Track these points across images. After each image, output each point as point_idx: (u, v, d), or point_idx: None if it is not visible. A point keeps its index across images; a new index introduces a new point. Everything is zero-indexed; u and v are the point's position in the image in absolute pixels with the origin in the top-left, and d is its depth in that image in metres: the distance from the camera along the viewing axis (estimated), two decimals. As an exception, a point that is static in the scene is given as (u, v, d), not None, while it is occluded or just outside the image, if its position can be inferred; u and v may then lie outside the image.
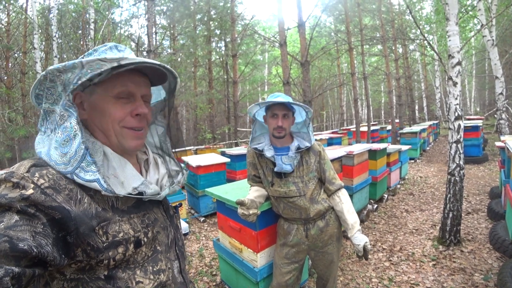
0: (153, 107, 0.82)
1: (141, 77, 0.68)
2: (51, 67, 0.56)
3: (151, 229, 0.67)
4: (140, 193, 0.64)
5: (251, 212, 1.44)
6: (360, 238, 1.47)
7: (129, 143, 0.67)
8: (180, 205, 0.87)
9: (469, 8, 9.73)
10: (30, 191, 0.49)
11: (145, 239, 0.65)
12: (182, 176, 0.80)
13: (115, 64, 0.56)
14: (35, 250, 0.44)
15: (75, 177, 0.55)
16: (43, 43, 11.36)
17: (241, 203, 1.44)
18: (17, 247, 0.42)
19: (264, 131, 1.69)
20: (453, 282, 2.35)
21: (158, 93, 0.82)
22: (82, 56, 0.64)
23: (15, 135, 7.79)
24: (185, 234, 1.48)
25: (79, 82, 0.56)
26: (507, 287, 2.04)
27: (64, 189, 0.54)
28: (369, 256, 2.87)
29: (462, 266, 2.56)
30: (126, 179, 0.64)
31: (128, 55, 0.67)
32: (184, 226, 1.50)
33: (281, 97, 1.46)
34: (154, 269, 0.66)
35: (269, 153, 1.50)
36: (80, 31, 12.40)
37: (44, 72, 0.57)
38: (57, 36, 8.22)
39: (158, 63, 0.63)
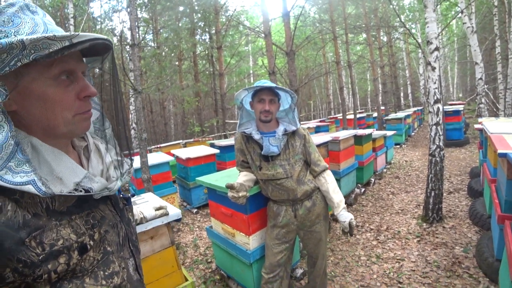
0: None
1: (77, 52, 0.56)
2: None
3: (98, 229, 0.59)
4: (87, 191, 0.55)
5: (240, 194, 1.50)
6: (345, 215, 1.55)
7: (81, 127, 0.58)
8: (133, 194, 0.78)
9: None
10: None
11: (91, 242, 0.57)
12: (129, 166, 0.71)
13: (67, 43, 0.46)
14: None
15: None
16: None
17: (230, 187, 1.49)
18: None
19: (250, 118, 1.73)
20: (436, 256, 2.50)
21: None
22: None
23: None
24: (178, 220, 1.52)
25: (18, 64, 0.45)
26: (484, 256, 2.19)
27: None
28: (358, 236, 3.00)
29: (444, 241, 2.72)
30: (64, 174, 0.53)
31: (45, 18, 0.55)
32: (176, 212, 1.53)
33: (268, 83, 1.51)
34: (106, 273, 0.59)
35: (256, 136, 1.55)
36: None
37: None
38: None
39: (105, 37, 0.54)
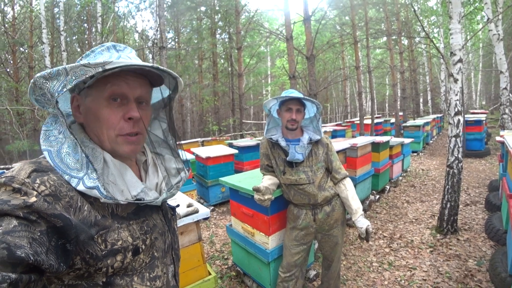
0: (156, 103, 0.80)
1: (137, 78, 0.65)
2: (38, 74, 0.53)
3: (149, 236, 0.67)
4: (138, 199, 0.64)
5: (266, 197, 1.62)
6: (363, 222, 1.64)
7: (123, 148, 0.65)
8: (178, 205, 0.86)
9: (476, 0, 9.66)
10: (33, 199, 0.48)
11: (143, 247, 0.64)
12: (181, 178, 0.78)
13: (100, 69, 0.53)
14: (31, 258, 0.44)
15: (80, 184, 0.55)
16: (49, 37, 11.49)
17: (257, 190, 1.61)
18: (14, 254, 0.42)
19: (276, 125, 1.85)
20: (448, 267, 2.53)
21: (161, 92, 0.79)
22: (80, 57, 0.63)
23: (19, 148, 7.46)
24: (207, 218, 1.66)
25: (64, 89, 0.53)
26: (497, 271, 2.21)
27: (65, 197, 0.53)
28: (371, 243, 3.06)
29: (457, 253, 2.74)
30: (126, 187, 0.63)
31: (128, 54, 0.65)
32: (205, 211, 1.67)
33: (295, 94, 1.62)
34: (151, 275, 0.66)
35: (283, 143, 1.67)
36: (85, 24, 12.56)
37: (32, 80, 0.54)
38: (63, 29, 8.34)
39: (148, 64, 0.59)
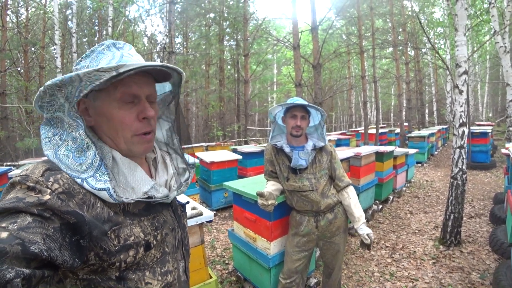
0: (159, 102, 0.78)
1: (143, 77, 0.65)
2: (48, 83, 0.54)
3: (160, 231, 0.68)
4: (149, 197, 0.65)
5: (269, 202, 1.63)
6: (364, 229, 1.65)
7: (138, 148, 0.66)
8: (188, 202, 0.88)
9: (483, 13, 9.69)
10: (47, 197, 0.50)
11: (155, 242, 0.66)
12: (189, 175, 0.79)
13: (114, 73, 0.54)
14: (45, 253, 0.45)
15: (84, 184, 0.56)
16: (60, 38, 11.74)
17: (261, 195, 1.64)
18: (28, 250, 0.43)
19: (281, 131, 1.87)
20: (451, 279, 2.50)
21: (162, 86, 0.79)
22: (80, 58, 0.64)
23: (28, 146, 7.46)
24: (210, 221, 1.69)
25: (81, 94, 0.55)
26: (501, 285, 2.19)
27: (78, 194, 0.55)
28: (372, 253, 3.04)
29: (460, 265, 2.71)
30: (136, 184, 0.64)
31: (128, 51, 0.65)
32: (209, 214, 1.69)
33: (300, 101, 1.65)
34: (162, 270, 0.68)
35: (287, 149, 1.70)
36: (96, 27, 12.83)
37: (42, 88, 0.55)
38: (75, 31, 8.53)
39: (160, 64, 0.60)
